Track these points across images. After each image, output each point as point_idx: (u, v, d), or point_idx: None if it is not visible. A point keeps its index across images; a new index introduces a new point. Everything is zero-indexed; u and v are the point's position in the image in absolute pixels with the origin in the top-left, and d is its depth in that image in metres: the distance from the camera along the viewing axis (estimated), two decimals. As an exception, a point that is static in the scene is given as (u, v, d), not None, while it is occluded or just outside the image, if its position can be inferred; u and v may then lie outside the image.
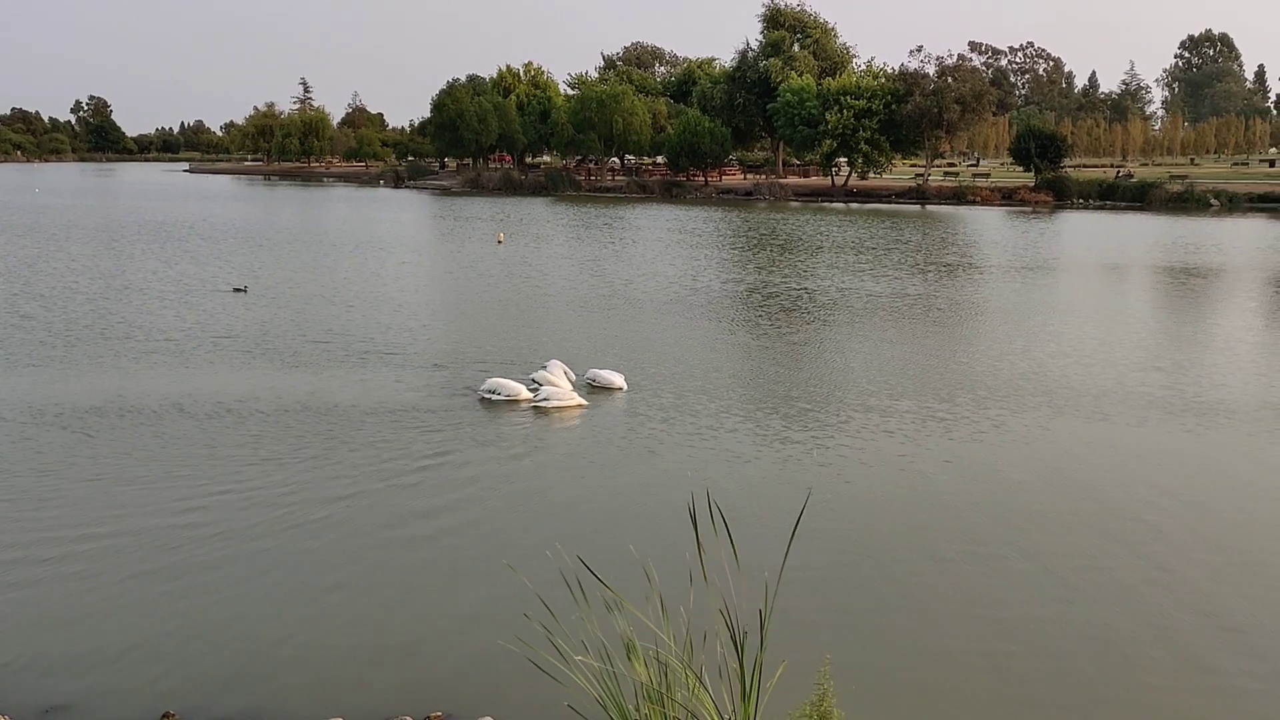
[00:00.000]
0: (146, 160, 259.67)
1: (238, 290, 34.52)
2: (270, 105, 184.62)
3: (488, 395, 19.95)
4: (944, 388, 21.09)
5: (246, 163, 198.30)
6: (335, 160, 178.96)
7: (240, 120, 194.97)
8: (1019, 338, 26.89)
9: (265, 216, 74.48)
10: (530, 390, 19.88)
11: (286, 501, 14.28)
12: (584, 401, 19.42)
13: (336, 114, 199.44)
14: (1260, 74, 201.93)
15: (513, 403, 19.57)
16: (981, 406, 19.59)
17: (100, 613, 10.98)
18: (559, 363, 21.18)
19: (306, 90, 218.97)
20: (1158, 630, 10.70)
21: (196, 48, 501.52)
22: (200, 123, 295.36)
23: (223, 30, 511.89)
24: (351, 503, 14.25)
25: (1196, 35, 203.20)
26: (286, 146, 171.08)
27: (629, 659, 7.07)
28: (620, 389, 20.67)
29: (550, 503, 14.40)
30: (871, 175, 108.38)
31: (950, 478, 15.52)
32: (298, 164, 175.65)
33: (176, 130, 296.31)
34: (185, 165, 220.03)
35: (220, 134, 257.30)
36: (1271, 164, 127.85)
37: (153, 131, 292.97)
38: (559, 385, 19.97)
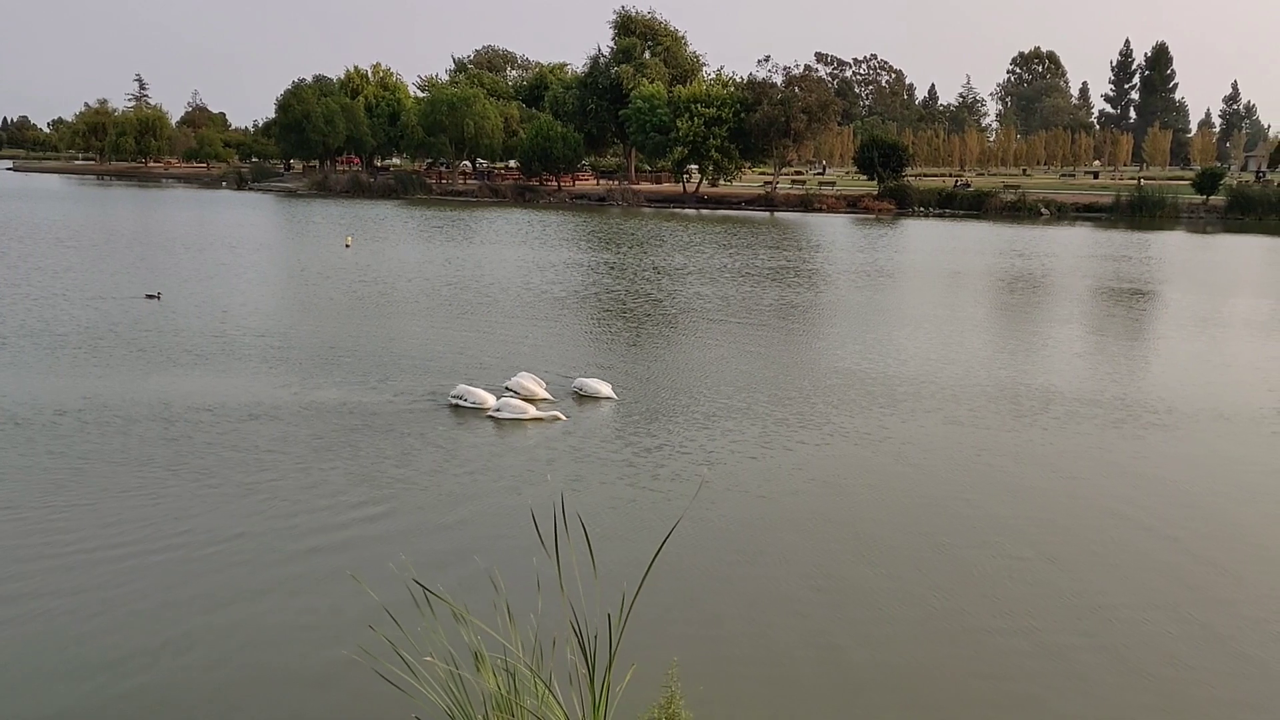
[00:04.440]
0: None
1: (150, 297, 32.74)
2: (103, 102, 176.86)
3: (457, 402, 19.52)
4: (777, 387, 21.54)
5: (77, 162, 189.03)
6: (174, 161, 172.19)
7: (69, 118, 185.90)
8: (850, 340, 27.76)
9: (100, 217, 71.07)
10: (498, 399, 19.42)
11: (136, 515, 13.65)
12: (541, 415, 18.82)
13: (175, 113, 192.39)
14: (1084, 91, 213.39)
15: (477, 410, 19.12)
16: (807, 404, 20.12)
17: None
18: (528, 374, 20.78)
19: (143, 88, 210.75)
20: (999, 618, 11.10)
21: (18, 39, 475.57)
22: (25, 119, 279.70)
23: (49, 21, 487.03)
24: (206, 517, 13.70)
25: (1027, 52, 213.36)
26: (121, 146, 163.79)
27: (478, 668, 6.96)
28: (609, 398, 20.39)
29: (420, 516, 14.08)
30: (722, 183, 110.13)
31: (784, 475, 15.83)
32: (134, 164, 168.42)
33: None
34: (8, 163, 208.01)
35: (48, 131, 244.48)
36: (1095, 176, 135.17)
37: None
38: (536, 395, 19.64)
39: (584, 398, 20.48)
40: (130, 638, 10.40)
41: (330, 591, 11.48)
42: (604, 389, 20.60)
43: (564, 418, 18.77)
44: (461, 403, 19.48)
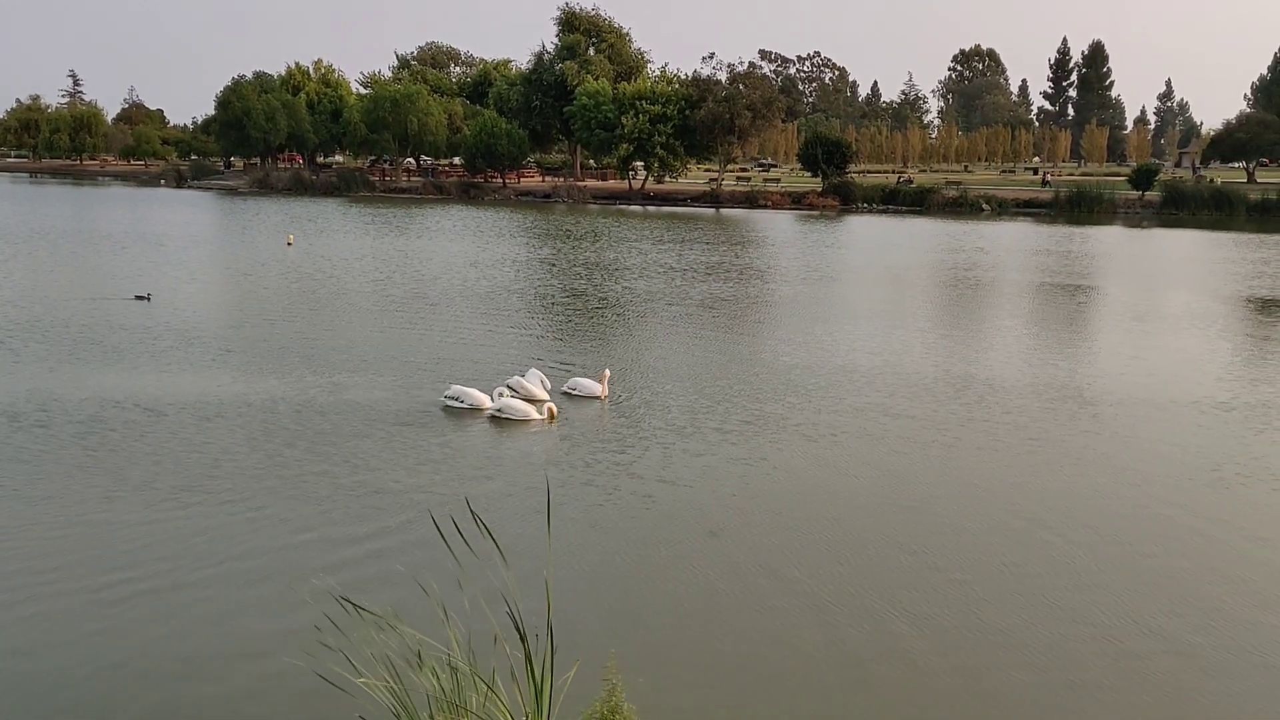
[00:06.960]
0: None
1: (140, 298, 31.93)
2: (35, 98, 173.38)
3: (452, 403, 19.11)
4: (712, 383, 21.68)
5: (10, 159, 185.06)
6: (111, 159, 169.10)
7: (0, 114, 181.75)
8: (791, 336, 27.99)
9: (30, 215, 69.59)
10: (495, 399, 18.99)
11: (81, 516, 13.43)
12: (540, 415, 18.45)
13: (111, 110, 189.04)
14: (1024, 88, 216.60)
15: (474, 411, 18.74)
16: (727, 398, 20.25)
17: None
18: (537, 372, 20.44)
19: (77, 83, 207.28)
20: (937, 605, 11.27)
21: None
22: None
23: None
24: (153, 520, 13.51)
25: (967, 50, 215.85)
26: (55, 143, 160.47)
27: (421, 670, 6.97)
28: (600, 398, 20.12)
29: (356, 522, 13.97)
30: (667, 179, 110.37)
31: (720, 470, 15.92)
32: (69, 162, 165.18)
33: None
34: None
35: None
36: (1034, 172, 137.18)
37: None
38: (536, 395, 19.34)
39: (576, 397, 20.27)
40: (63, 658, 10.22)
41: (267, 603, 11.36)
42: (597, 389, 20.34)
43: (540, 416, 18.61)
44: (457, 404, 19.14)
